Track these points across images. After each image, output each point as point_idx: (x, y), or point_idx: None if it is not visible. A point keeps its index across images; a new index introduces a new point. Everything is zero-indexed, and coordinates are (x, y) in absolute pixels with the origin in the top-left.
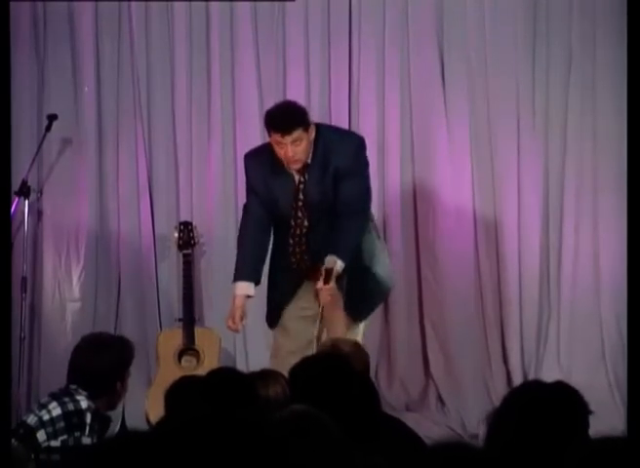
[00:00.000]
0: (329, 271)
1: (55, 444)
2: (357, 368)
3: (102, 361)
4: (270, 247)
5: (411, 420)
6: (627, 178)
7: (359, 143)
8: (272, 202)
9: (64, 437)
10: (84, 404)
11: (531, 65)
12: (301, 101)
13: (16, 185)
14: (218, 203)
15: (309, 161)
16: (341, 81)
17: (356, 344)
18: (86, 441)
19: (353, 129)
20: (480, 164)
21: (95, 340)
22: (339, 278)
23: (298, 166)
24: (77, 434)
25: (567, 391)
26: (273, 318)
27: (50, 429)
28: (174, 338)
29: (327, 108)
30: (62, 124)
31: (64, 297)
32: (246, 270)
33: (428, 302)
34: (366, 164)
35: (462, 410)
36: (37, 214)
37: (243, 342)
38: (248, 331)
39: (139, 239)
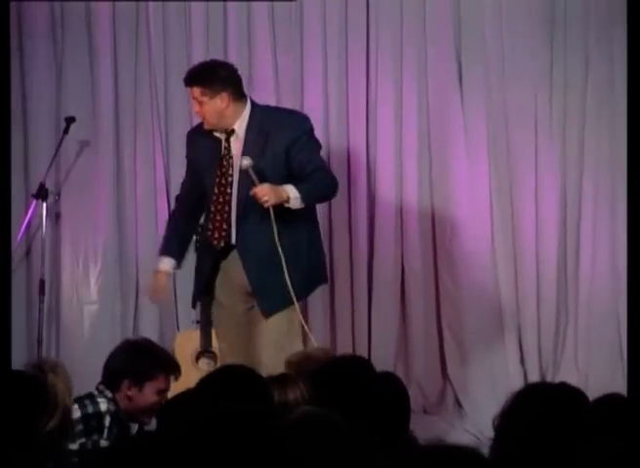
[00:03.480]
0: (245, 172)
1: (73, 447)
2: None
3: (138, 365)
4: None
5: (428, 423)
6: None
7: (306, 121)
8: (200, 167)
9: (82, 440)
10: (103, 406)
11: (548, 67)
12: (319, 103)
13: (34, 188)
14: None
15: (237, 128)
16: (359, 82)
17: (326, 350)
18: (104, 444)
19: (371, 130)
20: (497, 166)
21: (133, 345)
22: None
23: (206, 124)
24: (95, 437)
25: (569, 391)
26: (198, 292)
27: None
28: (191, 340)
29: (344, 110)
30: (80, 126)
31: (82, 300)
32: (167, 247)
33: (445, 304)
34: (316, 143)
35: (480, 413)
36: (55, 216)
37: None
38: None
39: (156, 241)
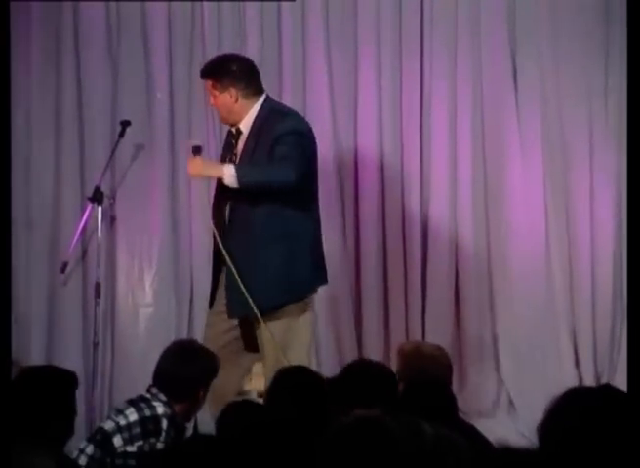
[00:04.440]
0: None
1: (131, 449)
2: (440, 371)
3: (191, 368)
4: None
5: (482, 426)
6: None
7: (293, 121)
8: None
9: (140, 443)
10: (160, 410)
11: (603, 65)
12: (373, 102)
13: (89, 192)
14: None
15: (242, 127)
16: (413, 80)
17: (439, 348)
18: (161, 447)
19: (425, 131)
20: (552, 165)
21: (185, 347)
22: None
23: (221, 119)
24: (153, 440)
25: (613, 394)
26: (212, 297)
27: (126, 434)
28: None
29: (398, 109)
30: (135, 130)
31: (137, 303)
32: None
33: (500, 307)
34: (294, 143)
35: (535, 417)
36: (110, 219)
37: None
38: None
39: (210, 244)
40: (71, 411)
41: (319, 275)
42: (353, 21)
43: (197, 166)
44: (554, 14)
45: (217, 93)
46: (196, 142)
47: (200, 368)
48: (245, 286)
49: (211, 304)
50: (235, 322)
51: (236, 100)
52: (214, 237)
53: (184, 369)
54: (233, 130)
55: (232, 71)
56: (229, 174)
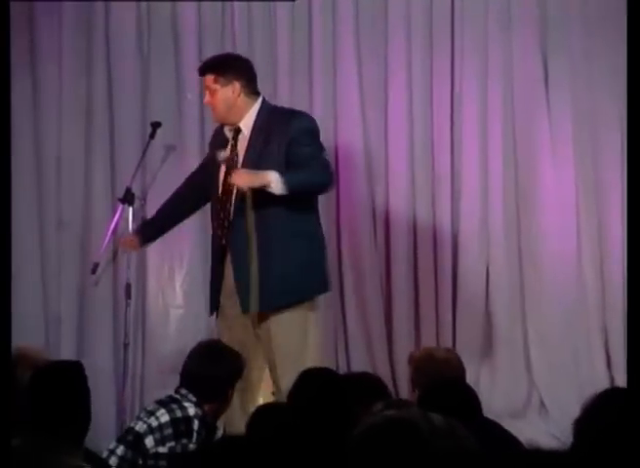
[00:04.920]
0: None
1: (162, 450)
2: (454, 374)
3: (219, 369)
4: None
5: (513, 427)
6: None
7: (308, 120)
8: (211, 165)
9: (172, 443)
10: (192, 411)
11: None
12: (403, 106)
13: (120, 192)
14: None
15: (242, 126)
16: (444, 79)
17: (450, 351)
18: (192, 448)
19: (455, 130)
20: (584, 164)
21: (212, 347)
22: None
23: (214, 115)
24: (184, 441)
25: None
26: (212, 303)
27: (158, 435)
28: None
29: (429, 108)
30: (166, 131)
31: (168, 303)
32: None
33: (531, 307)
34: (316, 142)
35: (566, 418)
36: (141, 220)
37: None
38: None
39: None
40: (83, 399)
41: (327, 275)
42: (383, 20)
43: (244, 177)
44: (585, 10)
45: (218, 87)
46: (225, 154)
47: (227, 367)
48: (263, 281)
49: (214, 309)
50: (248, 322)
51: (238, 95)
52: (217, 237)
53: (212, 369)
54: (227, 129)
55: (236, 65)
56: (277, 180)
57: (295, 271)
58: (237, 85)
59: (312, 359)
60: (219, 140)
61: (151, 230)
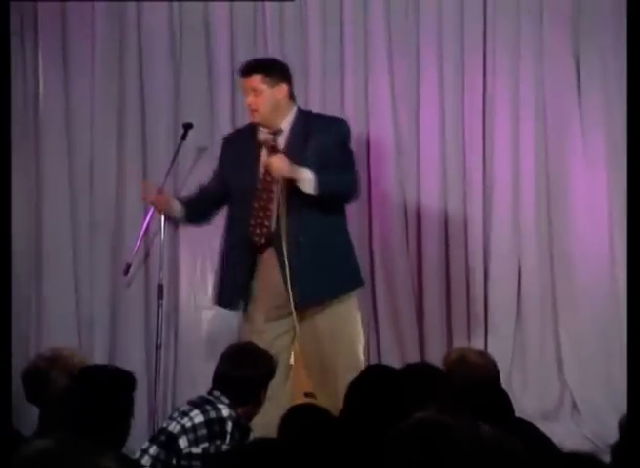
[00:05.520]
0: (265, 143)
1: (196, 451)
2: (487, 375)
3: (251, 370)
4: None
5: (546, 430)
6: None
7: (347, 128)
8: (232, 169)
9: (205, 444)
10: (226, 412)
11: None
12: (435, 104)
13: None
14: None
15: (282, 127)
16: (475, 81)
17: (483, 353)
18: (226, 449)
19: (487, 134)
20: (616, 169)
21: (243, 350)
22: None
23: (256, 117)
24: (218, 442)
25: None
26: (233, 297)
27: (192, 436)
28: None
29: (460, 110)
30: (198, 132)
31: (200, 305)
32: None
33: (563, 308)
34: (351, 151)
35: (598, 419)
36: (173, 221)
37: None
38: None
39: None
40: (129, 412)
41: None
42: (415, 21)
43: (282, 164)
44: (618, 12)
45: (265, 88)
46: (266, 135)
47: (259, 369)
48: (313, 276)
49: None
50: (285, 327)
51: (284, 97)
52: (256, 235)
53: (244, 371)
54: (265, 131)
55: (283, 68)
56: (310, 180)
57: (340, 265)
58: (284, 87)
59: (360, 351)
60: (238, 146)
61: (191, 207)
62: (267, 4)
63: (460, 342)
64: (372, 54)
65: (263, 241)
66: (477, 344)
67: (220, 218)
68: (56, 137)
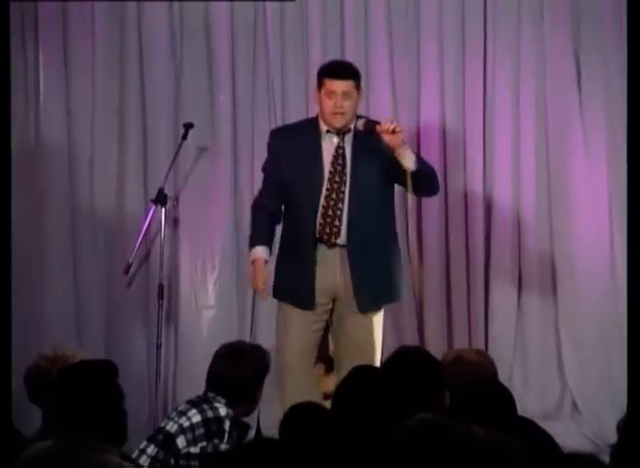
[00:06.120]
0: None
1: (194, 450)
2: (485, 375)
3: (243, 370)
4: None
5: (546, 428)
6: None
7: None
8: (293, 167)
9: (204, 444)
10: (223, 411)
11: None
12: (436, 105)
13: (153, 193)
14: None
15: (352, 127)
16: (476, 80)
17: (480, 352)
18: (224, 448)
19: (488, 133)
20: (617, 164)
21: (235, 349)
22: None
23: (341, 121)
24: (216, 441)
25: None
26: (304, 294)
27: (189, 436)
28: None
29: (461, 111)
30: (198, 132)
31: (200, 304)
32: (260, 237)
33: (564, 308)
34: None
35: (599, 419)
36: (173, 221)
37: None
38: None
39: (274, 247)
40: (119, 398)
41: None
42: (415, 21)
43: (400, 139)
44: (618, 12)
45: (355, 93)
46: (362, 122)
47: (251, 368)
48: (376, 280)
49: (305, 304)
50: (321, 325)
51: (360, 102)
52: (326, 235)
53: (237, 372)
54: (335, 135)
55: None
56: (409, 154)
57: (396, 272)
58: (361, 92)
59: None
60: (298, 142)
61: (270, 240)
62: (268, 4)
63: (460, 342)
64: (372, 53)
65: (333, 240)
66: (477, 344)
67: (221, 219)
68: (56, 137)
